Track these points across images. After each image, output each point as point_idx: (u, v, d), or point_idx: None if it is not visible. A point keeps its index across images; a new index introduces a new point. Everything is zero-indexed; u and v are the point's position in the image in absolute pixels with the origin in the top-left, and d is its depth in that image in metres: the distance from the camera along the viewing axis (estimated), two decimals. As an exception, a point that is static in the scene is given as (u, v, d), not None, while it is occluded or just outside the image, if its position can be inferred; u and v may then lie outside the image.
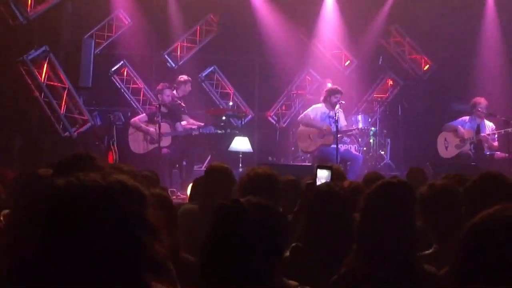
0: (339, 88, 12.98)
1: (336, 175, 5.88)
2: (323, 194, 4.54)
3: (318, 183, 5.23)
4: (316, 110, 12.82)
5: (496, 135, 13.00)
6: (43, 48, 13.43)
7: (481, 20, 15.87)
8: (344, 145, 13.14)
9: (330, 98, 12.71)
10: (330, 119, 12.52)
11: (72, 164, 3.91)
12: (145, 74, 15.68)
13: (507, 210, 1.99)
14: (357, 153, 13.22)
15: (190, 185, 11.10)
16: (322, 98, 12.94)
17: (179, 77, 13.53)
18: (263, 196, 4.29)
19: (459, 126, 13.18)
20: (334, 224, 4.34)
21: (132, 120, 12.72)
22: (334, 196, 4.48)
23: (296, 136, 13.33)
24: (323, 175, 5.42)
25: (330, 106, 12.68)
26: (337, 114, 12.28)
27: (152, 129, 12.24)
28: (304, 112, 13.06)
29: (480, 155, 13.02)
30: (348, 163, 12.71)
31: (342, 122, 12.88)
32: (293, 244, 4.39)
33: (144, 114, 12.87)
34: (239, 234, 2.88)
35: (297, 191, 6.04)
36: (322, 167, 5.49)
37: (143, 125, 12.40)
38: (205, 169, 13.44)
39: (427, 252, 4.37)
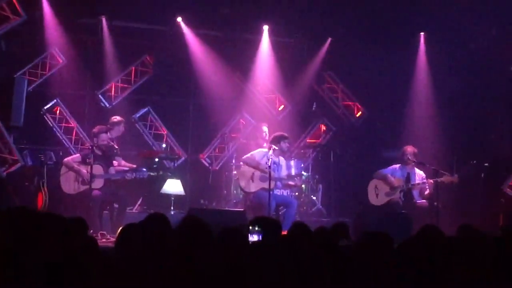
0: (286, 135, 13.07)
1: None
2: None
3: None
4: (262, 154, 12.83)
5: (427, 184, 13.22)
6: (-26, 87, 13.26)
7: (413, 70, 16.21)
8: (278, 190, 13.15)
9: (279, 144, 12.77)
10: (274, 165, 12.57)
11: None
12: (78, 113, 15.53)
13: None
14: (291, 198, 13.26)
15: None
16: (268, 145, 12.92)
17: (112, 117, 13.45)
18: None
19: (389, 174, 13.37)
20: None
21: (65, 159, 12.54)
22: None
23: (238, 174, 13.30)
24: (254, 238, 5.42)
25: (278, 152, 12.75)
26: (270, 161, 12.30)
27: (84, 170, 12.09)
28: (251, 153, 13.06)
29: (410, 203, 13.21)
30: (284, 209, 12.78)
31: (284, 171, 12.97)
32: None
33: (78, 154, 12.71)
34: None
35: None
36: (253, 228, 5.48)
37: (75, 165, 12.24)
38: (137, 211, 13.52)
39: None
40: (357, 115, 17.10)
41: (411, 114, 16.05)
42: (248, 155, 13.11)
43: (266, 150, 12.95)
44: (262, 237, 5.30)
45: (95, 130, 12.57)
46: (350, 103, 17.17)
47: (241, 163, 13.32)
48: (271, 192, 12.24)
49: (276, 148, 12.76)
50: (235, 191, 14.44)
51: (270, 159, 12.30)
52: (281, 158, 12.91)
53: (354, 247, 4.81)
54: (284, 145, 12.83)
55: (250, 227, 5.39)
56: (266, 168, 12.36)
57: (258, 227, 5.39)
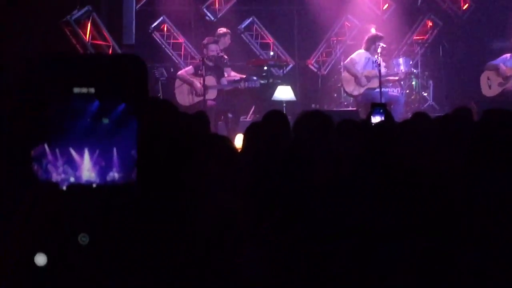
0: (381, 34, 13.09)
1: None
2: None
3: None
4: (360, 55, 12.96)
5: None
6: (86, 8, 13.56)
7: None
8: (387, 88, 13.19)
9: (374, 45, 12.83)
10: (374, 64, 12.65)
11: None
12: (184, 29, 15.77)
13: None
14: (398, 94, 13.28)
15: (238, 136, 11.38)
16: (364, 46, 13.02)
17: (218, 29, 13.65)
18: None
19: (501, 64, 13.19)
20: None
21: (179, 72, 12.90)
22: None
23: (341, 80, 13.41)
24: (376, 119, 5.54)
25: (373, 52, 12.81)
26: (379, 58, 12.45)
27: (197, 82, 12.40)
28: (350, 57, 13.16)
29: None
30: (392, 106, 12.81)
31: (383, 69, 12.99)
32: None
33: (191, 66, 13.01)
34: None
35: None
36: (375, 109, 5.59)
37: (189, 78, 12.57)
38: (251, 119, 13.77)
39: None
40: (464, 8, 16.70)
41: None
42: (348, 60, 13.20)
43: (362, 51, 13.02)
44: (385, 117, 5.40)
45: (204, 41, 12.85)
46: (456, -5, 16.82)
47: (341, 69, 13.46)
48: (377, 91, 12.35)
49: (384, 46, 12.85)
50: (345, 94, 14.50)
51: (379, 58, 12.45)
52: (379, 57, 12.89)
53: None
54: (379, 45, 12.85)
55: (372, 108, 5.50)
56: (371, 68, 12.55)
57: (380, 108, 5.49)
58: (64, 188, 2.21)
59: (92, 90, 2.10)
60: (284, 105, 13.77)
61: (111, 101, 2.13)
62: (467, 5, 16.62)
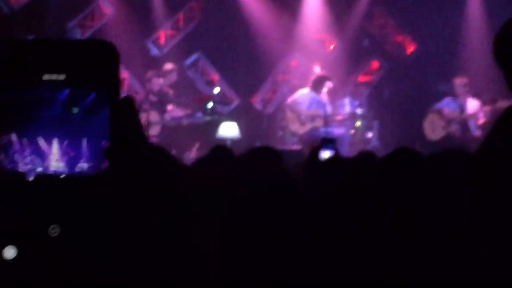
0: (328, 75, 13.11)
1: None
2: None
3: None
4: (304, 96, 12.93)
5: (481, 113, 13.07)
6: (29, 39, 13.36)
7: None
8: (331, 128, 13.19)
9: (320, 85, 12.83)
10: (318, 104, 12.62)
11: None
12: (129, 64, 15.56)
13: None
14: (342, 132, 13.25)
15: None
16: (311, 85, 13.01)
17: (165, 65, 13.54)
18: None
19: (444, 107, 13.26)
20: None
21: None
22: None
23: (286, 119, 13.37)
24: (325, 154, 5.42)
25: (319, 92, 12.80)
26: (324, 98, 12.46)
27: (141, 118, 12.24)
28: (293, 98, 13.12)
29: (467, 134, 13.09)
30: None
31: (328, 108, 12.98)
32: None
33: (134, 102, 12.83)
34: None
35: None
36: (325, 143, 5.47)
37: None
38: (195, 156, 13.62)
39: None
40: (409, 51, 16.83)
41: (465, 45, 15.71)
42: (290, 100, 13.18)
43: (306, 91, 13.01)
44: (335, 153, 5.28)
45: (148, 75, 12.69)
46: (401, 38, 16.89)
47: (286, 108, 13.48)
48: (323, 130, 12.34)
49: (330, 86, 12.87)
50: (289, 133, 14.47)
51: (324, 98, 12.47)
52: (324, 97, 12.92)
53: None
54: (325, 86, 12.88)
55: (322, 143, 5.38)
56: (315, 108, 12.54)
57: (331, 143, 5.38)
58: (31, 178, 2.13)
59: (62, 77, 1.98)
60: (229, 142, 13.68)
61: (81, 89, 2.03)
62: (412, 47, 16.75)
